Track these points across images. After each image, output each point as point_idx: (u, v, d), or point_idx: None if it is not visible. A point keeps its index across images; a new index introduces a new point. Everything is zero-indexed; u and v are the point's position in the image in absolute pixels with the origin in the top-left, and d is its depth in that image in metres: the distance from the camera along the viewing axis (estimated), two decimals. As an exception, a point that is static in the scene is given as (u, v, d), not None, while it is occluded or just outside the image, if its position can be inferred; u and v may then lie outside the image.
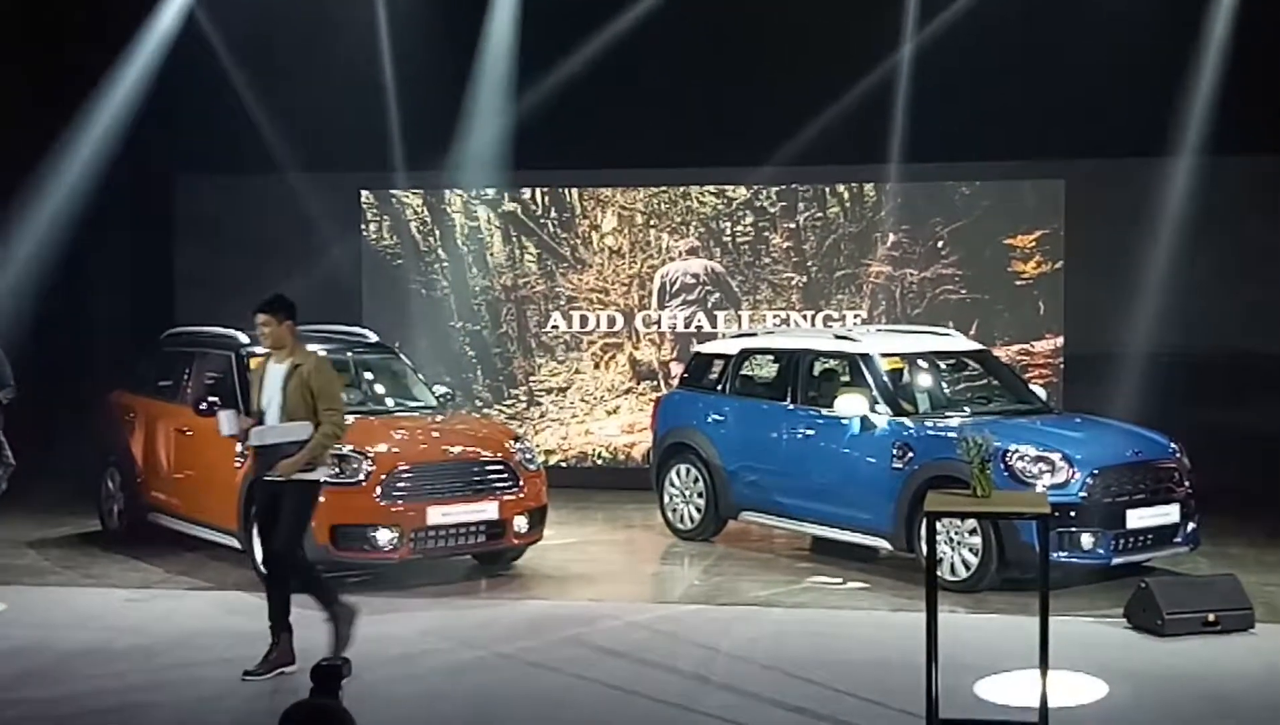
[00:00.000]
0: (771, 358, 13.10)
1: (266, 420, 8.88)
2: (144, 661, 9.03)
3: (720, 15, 15.35)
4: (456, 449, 11.51)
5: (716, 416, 12.96)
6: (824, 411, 11.98)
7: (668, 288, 16.15)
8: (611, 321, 16.24)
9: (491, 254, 16.52)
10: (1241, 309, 15.12)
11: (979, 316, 15.39)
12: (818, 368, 12.52)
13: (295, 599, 8.93)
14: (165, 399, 12.61)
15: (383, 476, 10.95)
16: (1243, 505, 13.48)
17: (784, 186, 15.96)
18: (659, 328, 16.15)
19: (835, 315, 15.73)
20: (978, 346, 13.09)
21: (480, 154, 15.98)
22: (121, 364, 14.11)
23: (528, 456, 11.78)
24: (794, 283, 15.95)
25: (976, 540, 10.75)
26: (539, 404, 16.38)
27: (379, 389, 12.61)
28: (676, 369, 15.33)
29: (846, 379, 12.15)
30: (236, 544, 11.28)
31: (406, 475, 11.05)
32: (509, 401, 16.41)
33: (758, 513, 12.64)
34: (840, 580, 11.50)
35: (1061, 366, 15.30)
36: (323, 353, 12.29)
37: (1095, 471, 10.77)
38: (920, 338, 12.83)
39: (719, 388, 13.13)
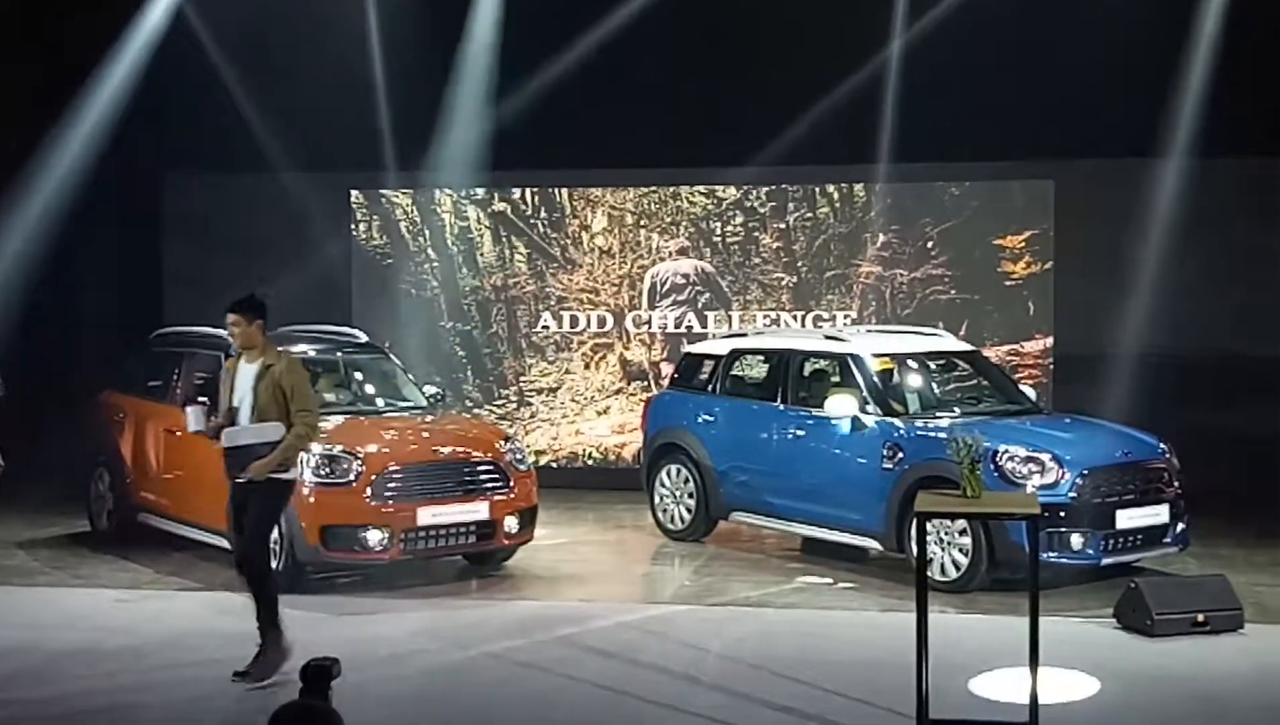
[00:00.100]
0: (762, 358, 13.12)
1: (239, 420, 8.82)
2: (134, 662, 9.01)
3: (711, 14, 15.34)
4: (447, 449, 11.51)
5: (707, 417, 12.96)
6: (814, 412, 11.99)
7: (658, 288, 16.15)
8: (602, 322, 16.24)
9: (481, 254, 16.51)
10: (1231, 310, 15.15)
11: (969, 317, 15.40)
12: (808, 368, 12.53)
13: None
14: (154, 399, 12.59)
15: (373, 477, 10.94)
16: (1232, 506, 13.49)
17: (774, 187, 15.97)
18: (649, 328, 16.15)
19: (825, 316, 15.74)
20: (968, 347, 13.11)
21: (470, 154, 15.96)
22: (110, 363, 14.08)
23: (518, 457, 11.77)
24: (784, 283, 15.95)
25: (966, 540, 10.76)
26: (529, 404, 16.37)
27: (369, 389, 12.60)
28: (667, 369, 15.33)
29: (837, 379, 12.16)
30: (226, 544, 11.24)
31: (397, 476, 11.04)
32: (499, 402, 16.40)
33: (748, 513, 12.64)
34: (830, 580, 11.50)
35: (1051, 367, 15.32)
36: (311, 353, 12.46)
37: (1085, 472, 10.79)
38: (910, 338, 12.85)
39: (709, 388, 13.13)
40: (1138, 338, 14.88)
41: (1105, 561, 10.84)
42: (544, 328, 16.35)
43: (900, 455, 11.23)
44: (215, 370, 11.73)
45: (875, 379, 11.87)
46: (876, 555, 11.84)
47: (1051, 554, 10.50)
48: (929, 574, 8.86)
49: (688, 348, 14.35)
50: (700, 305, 16.05)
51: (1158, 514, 11.07)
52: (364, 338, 13.05)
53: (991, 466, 10.48)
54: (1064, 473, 10.74)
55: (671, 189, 16.18)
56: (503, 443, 11.80)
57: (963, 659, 8.88)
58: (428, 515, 11.02)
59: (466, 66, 15.84)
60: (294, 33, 15.09)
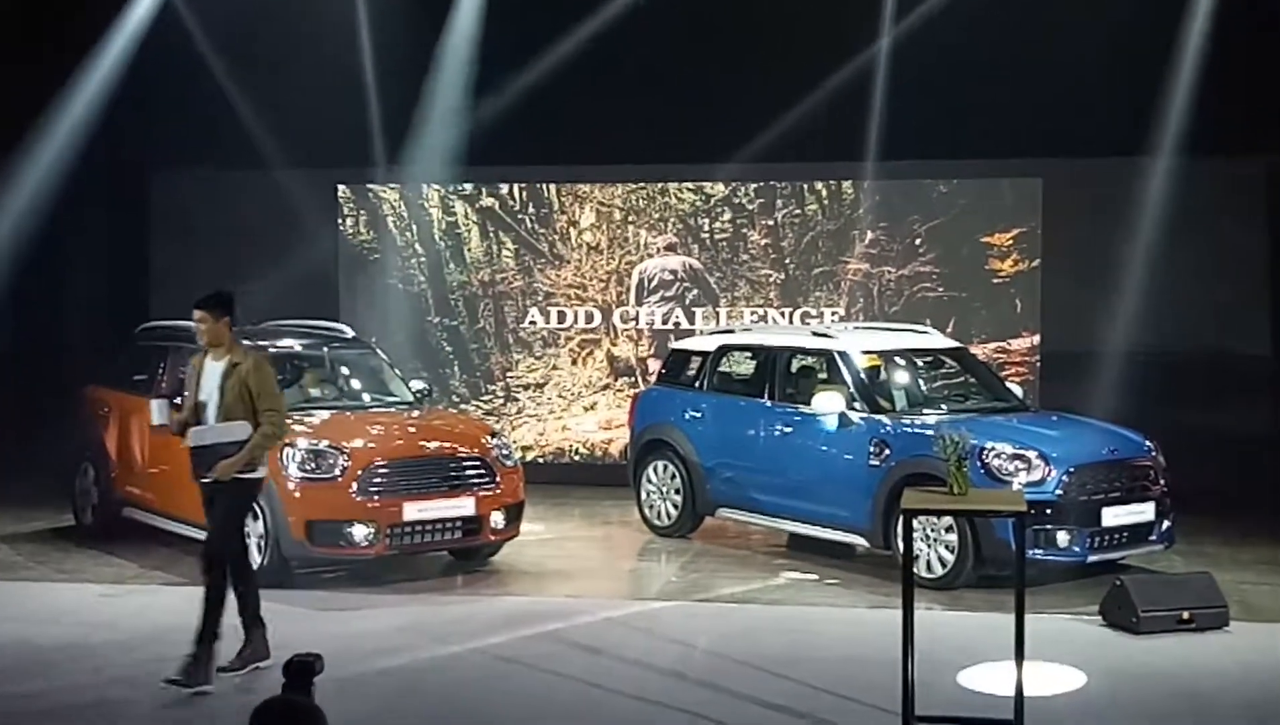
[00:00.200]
0: (749, 355, 13.11)
1: (205, 418, 8.71)
2: (119, 657, 8.98)
3: (700, 10, 15.34)
4: (433, 445, 11.49)
5: (694, 413, 12.96)
6: (801, 408, 12.00)
7: (646, 284, 16.14)
8: (589, 317, 16.23)
9: (469, 249, 16.49)
10: (1217, 309, 15.20)
11: (956, 314, 15.42)
12: (795, 365, 12.53)
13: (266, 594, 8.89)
14: (140, 394, 12.53)
15: (359, 472, 10.92)
16: (1217, 504, 13.52)
17: (762, 183, 15.97)
18: (637, 324, 16.14)
19: (813, 312, 15.74)
20: (955, 344, 13.13)
21: (458, 149, 15.93)
22: (96, 358, 14.04)
23: (505, 452, 11.77)
24: (772, 280, 15.95)
25: (953, 537, 10.77)
26: (516, 400, 16.36)
27: (355, 384, 12.59)
28: (654, 365, 15.31)
29: (824, 376, 12.16)
30: (212, 539, 11.23)
31: (383, 471, 11.02)
32: (486, 397, 16.39)
33: (735, 509, 12.64)
34: (817, 577, 11.50)
35: (1038, 364, 15.33)
36: (298, 347, 12.44)
37: (1071, 469, 10.80)
38: (898, 335, 12.86)
39: (697, 384, 13.13)
40: (1124, 336, 14.91)
41: (1091, 559, 10.86)
42: (531, 323, 16.33)
43: (887, 452, 11.24)
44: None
45: (862, 376, 11.88)
46: (863, 552, 11.85)
47: (1038, 551, 10.52)
48: (915, 571, 8.86)
49: (675, 344, 14.35)
50: (688, 301, 16.05)
51: (1143, 511, 11.10)
52: (350, 333, 13.04)
53: (978, 463, 10.50)
54: (1050, 470, 10.75)
55: (660, 185, 16.18)
56: (489, 438, 11.79)
57: (949, 655, 8.88)
58: (414, 510, 11.01)
59: (454, 61, 15.80)
60: (282, 27, 15.06)
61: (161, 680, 8.27)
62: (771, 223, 15.98)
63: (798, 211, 15.96)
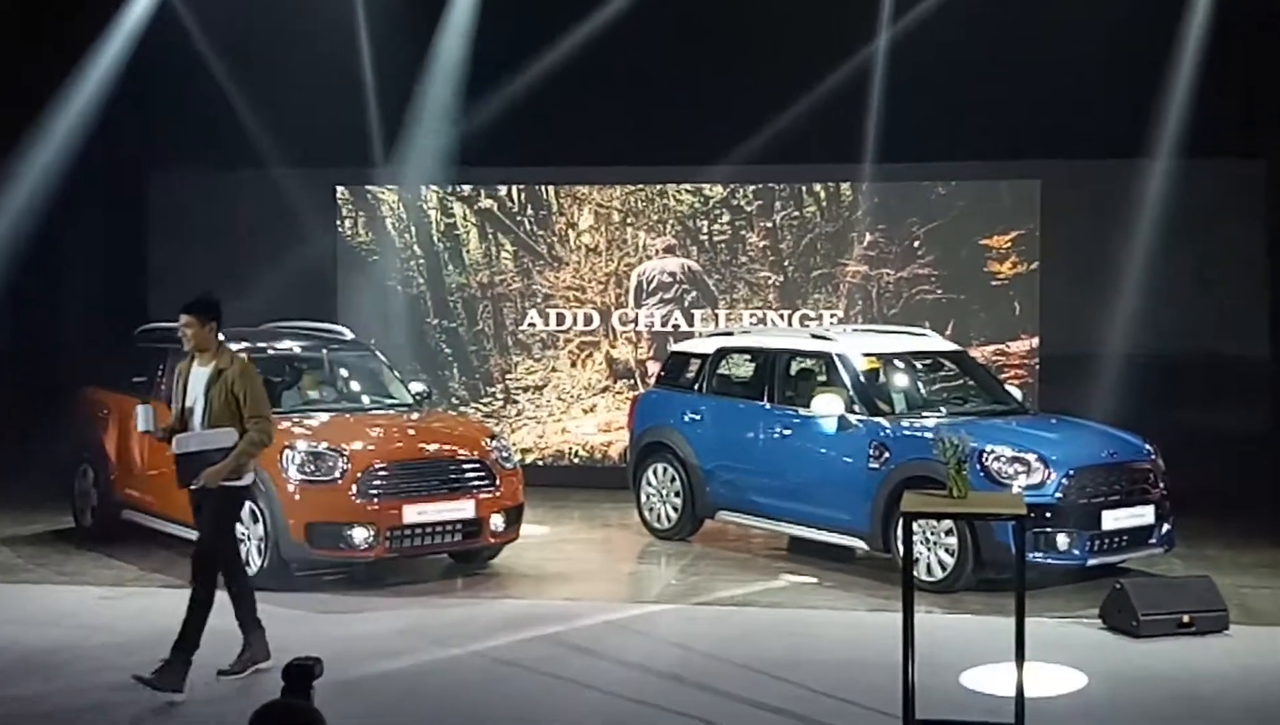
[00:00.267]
0: (748, 357, 13.11)
1: (191, 424, 8.63)
2: (118, 659, 8.96)
3: (698, 12, 15.34)
4: (433, 447, 11.49)
5: (693, 416, 12.95)
6: (800, 411, 11.99)
7: (645, 286, 16.14)
8: (588, 320, 16.22)
9: (468, 251, 16.49)
10: (1216, 311, 15.19)
11: (955, 316, 15.42)
12: (794, 367, 12.53)
13: (276, 595, 8.88)
14: (139, 395, 12.49)
15: (358, 474, 10.91)
16: (1217, 507, 13.52)
17: (761, 185, 15.97)
18: (636, 326, 16.14)
19: (812, 315, 15.74)
20: (954, 347, 13.13)
21: (457, 150, 15.92)
22: (95, 359, 14.03)
23: (504, 455, 11.76)
24: (771, 282, 15.95)
25: (953, 540, 10.77)
26: (516, 402, 16.35)
27: (354, 386, 12.59)
28: (653, 368, 15.30)
29: (823, 379, 12.16)
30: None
31: (382, 473, 11.01)
32: (485, 399, 16.38)
33: (734, 512, 12.63)
34: (816, 580, 11.49)
35: (1037, 367, 15.33)
36: (296, 349, 12.43)
37: (1071, 472, 10.80)
38: (897, 338, 12.85)
39: (696, 387, 13.12)
40: (1123, 338, 14.90)
41: (1091, 562, 10.85)
42: (530, 325, 16.33)
43: (886, 455, 11.23)
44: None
45: (861, 378, 11.87)
46: (862, 555, 11.85)
47: (1037, 554, 10.51)
48: (915, 574, 8.85)
49: (674, 346, 14.35)
50: (687, 304, 16.04)
51: (1143, 515, 11.09)
52: (349, 335, 13.04)
53: (977, 466, 10.49)
54: (1050, 473, 10.75)
55: (658, 187, 16.18)
56: (489, 441, 11.79)
57: (949, 659, 8.88)
58: (413, 513, 11.00)
59: (452, 62, 15.79)
60: (280, 26, 15.02)
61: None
62: (770, 225, 15.97)
63: (796, 213, 15.96)
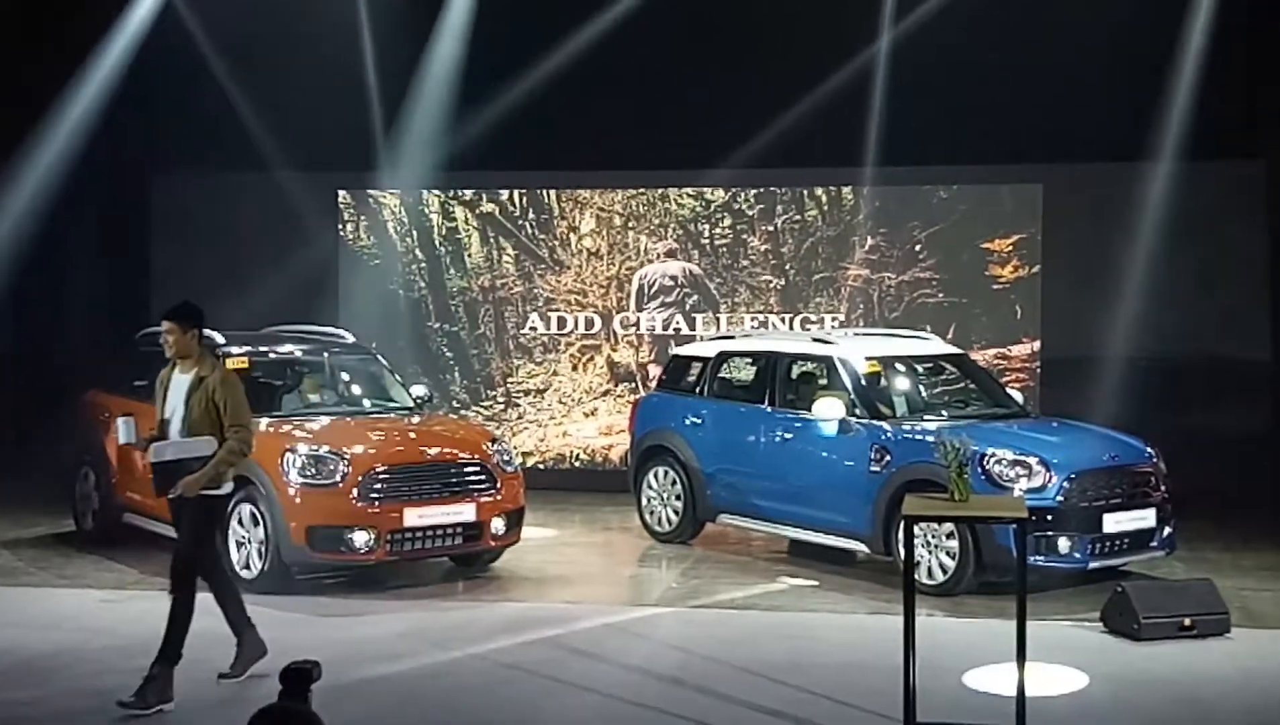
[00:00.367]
0: (749, 360, 13.11)
1: (170, 433, 8.51)
2: (120, 663, 8.95)
3: (700, 16, 15.35)
4: (434, 450, 11.49)
5: (694, 419, 12.95)
6: (802, 414, 11.98)
7: (646, 290, 16.14)
8: (589, 323, 16.23)
9: (469, 255, 16.49)
10: (1218, 314, 15.18)
11: (956, 320, 15.41)
12: (795, 371, 12.52)
13: (272, 599, 8.86)
14: (140, 399, 12.50)
15: (359, 478, 10.91)
16: (1219, 510, 13.52)
17: (762, 189, 15.97)
18: (637, 330, 16.14)
19: (813, 318, 15.74)
20: (955, 350, 13.12)
21: (458, 154, 15.91)
22: (97, 361, 14.03)
23: (505, 458, 11.76)
24: (772, 285, 15.95)
25: (954, 544, 10.76)
26: (517, 406, 16.35)
27: (355, 390, 12.59)
28: (654, 371, 15.31)
29: (824, 382, 12.14)
30: (212, 545, 11.22)
31: (383, 477, 11.01)
32: (486, 403, 16.38)
33: (735, 515, 12.63)
34: (817, 583, 11.49)
35: (1038, 370, 15.33)
36: (298, 353, 12.43)
37: (1072, 475, 10.79)
38: (898, 341, 12.86)
39: (697, 390, 13.12)
40: (1125, 341, 14.90)
41: (1092, 565, 10.84)
42: (532, 329, 16.33)
43: (887, 458, 11.23)
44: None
45: (863, 382, 11.87)
46: (863, 558, 11.83)
47: (1038, 557, 10.50)
48: (916, 577, 8.85)
49: (675, 350, 14.35)
50: (688, 307, 16.05)
51: (1145, 518, 11.07)
52: (351, 338, 13.03)
53: (979, 470, 10.49)
54: (1051, 476, 10.74)
55: (660, 191, 16.18)
56: (490, 444, 11.79)
57: (950, 662, 8.88)
58: (414, 516, 11.00)
59: (454, 66, 15.79)
60: (283, 29, 15.04)
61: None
62: (771, 228, 15.98)
63: (798, 217, 15.96)
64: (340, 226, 16.64)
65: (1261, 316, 15.14)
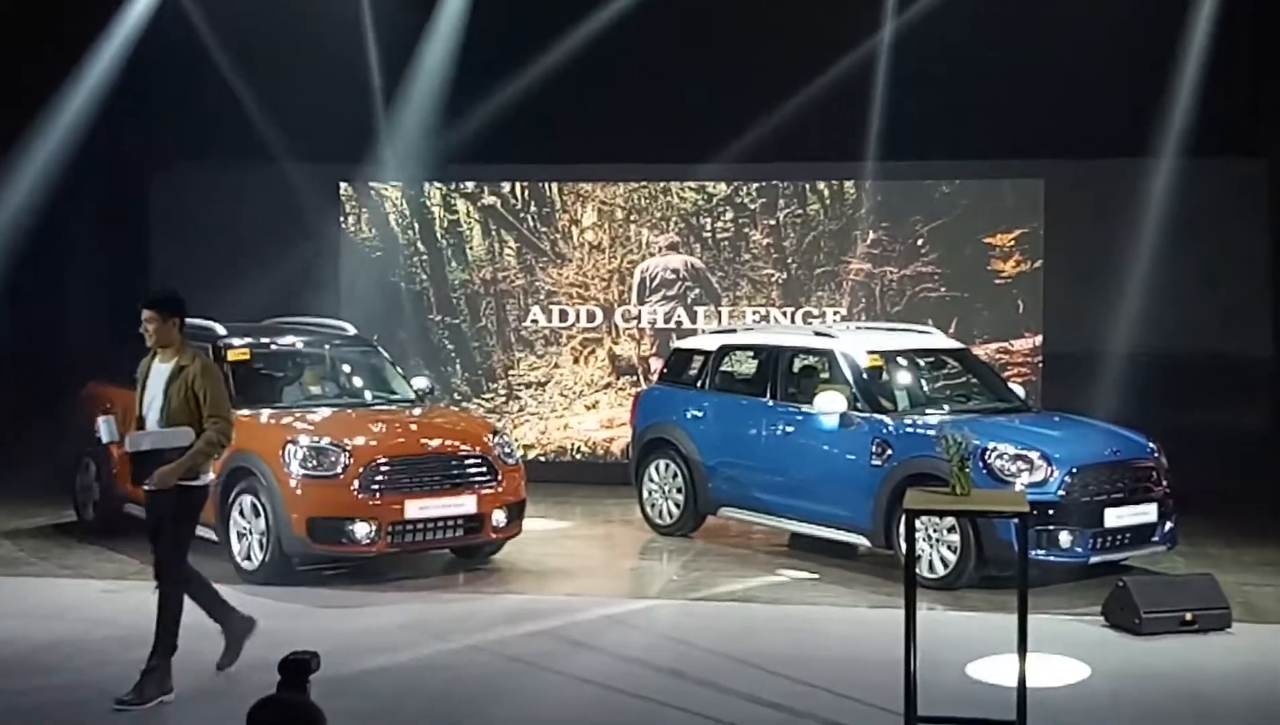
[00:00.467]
0: (751, 354, 13.10)
1: (147, 424, 8.37)
2: (121, 653, 8.95)
3: (703, 9, 15.34)
4: (435, 443, 11.48)
5: (696, 412, 12.95)
6: (803, 408, 11.98)
7: (648, 283, 16.14)
8: (591, 316, 16.22)
9: (471, 248, 16.49)
10: (1219, 310, 15.16)
11: (958, 314, 15.41)
12: (797, 364, 12.52)
13: (278, 591, 8.84)
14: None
15: (360, 469, 10.90)
16: (1220, 505, 13.51)
17: (764, 183, 15.96)
18: (639, 323, 16.14)
19: (815, 312, 15.73)
20: (957, 344, 13.14)
21: (460, 147, 15.90)
22: (97, 353, 14.02)
23: (506, 451, 11.76)
24: (774, 279, 15.94)
25: (955, 538, 10.76)
26: (518, 398, 16.35)
27: (357, 382, 12.59)
28: (656, 364, 15.31)
29: (826, 376, 12.15)
30: (212, 536, 11.22)
31: (384, 468, 11.01)
32: (488, 395, 16.38)
33: (737, 508, 12.63)
34: (818, 576, 11.48)
35: (1040, 365, 15.33)
36: (299, 345, 12.43)
37: (1074, 470, 10.79)
38: (900, 335, 12.86)
39: (698, 384, 13.12)
40: (1126, 337, 14.88)
41: (1094, 560, 10.85)
42: (533, 322, 16.33)
43: (889, 452, 11.23)
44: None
45: (864, 376, 11.87)
46: (864, 551, 11.84)
47: (1040, 552, 10.51)
48: (917, 571, 8.85)
49: (677, 343, 14.35)
50: (690, 301, 16.04)
51: (1146, 513, 11.08)
52: (352, 331, 13.02)
53: (980, 464, 10.49)
54: (1053, 471, 10.74)
55: (662, 184, 16.17)
56: (491, 436, 11.78)
57: (951, 655, 8.88)
58: (415, 508, 11.00)
59: (456, 59, 15.77)
60: (284, 21, 15.00)
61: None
62: (773, 222, 15.97)
63: (800, 211, 15.95)
64: (342, 219, 16.63)
65: (1263, 313, 15.13)
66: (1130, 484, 11.08)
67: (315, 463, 10.89)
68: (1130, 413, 13.07)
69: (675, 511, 13.05)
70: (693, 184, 16.14)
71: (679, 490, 12.99)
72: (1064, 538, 10.66)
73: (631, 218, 16.26)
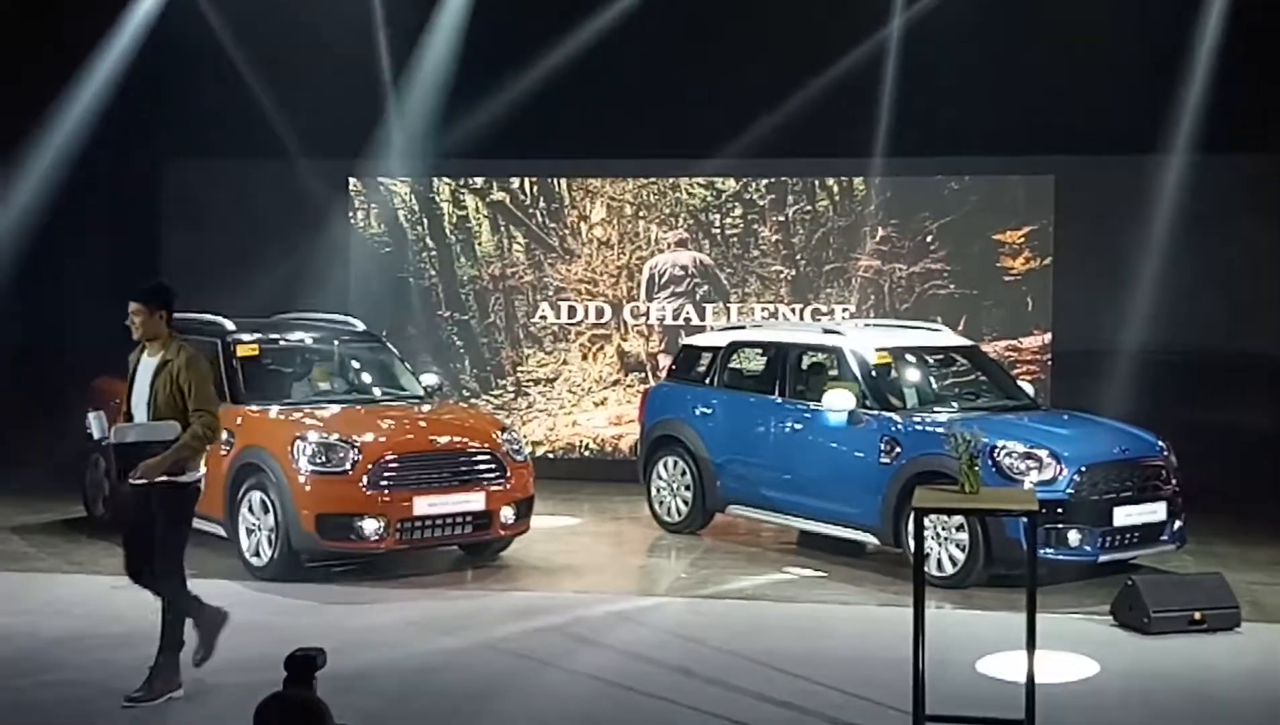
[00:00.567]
0: (759, 351, 13.09)
1: (135, 417, 8.28)
2: (129, 649, 8.94)
3: (713, 5, 15.34)
4: (443, 439, 11.48)
5: (704, 409, 12.94)
6: (812, 405, 11.97)
7: (656, 279, 16.13)
8: (600, 313, 16.22)
9: (480, 243, 16.49)
10: (1230, 308, 15.13)
11: (967, 312, 15.39)
12: (806, 362, 12.50)
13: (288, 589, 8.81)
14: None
15: (369, 466, 10.90)
16: (1229, 504, 13.48)
17: (773, 179, 15.95)
18: (647, 319, 16.13)
19: (824, 309, 15.72)
20: (966, 342, 13.11)
21: (469, 142, 15.89)
22: (106, 349, 14.02)
23: (515, 447, 11.75)
24: (782, 276, 15.93)
25: (964, 536, 10.75)
26: (526, 395, 16.35)
27: (365, 378, 12.59)
28: (664, 361, 15.31)
29: (834, 373, 12.14)
30: (221, 532, 11.24)
31: (393, 465, 11.00)
32: (496, 392, 16.38)
33: (745, 506, 12.61)
34: (826, 574, 11.47)
35: (1049, 363, 15.31)
36: (308, 341, 12.44)
37: (1083, 468, 10.77)
38: (909, 332, 12.85)
39: (707, 380, 13.11)
40: (1137, 334, 14.86)
41: (1102, 558, 10.83)
42: (542, 318, 16.33)
43: (898, 450, 11.21)
44: (212, 358, 11.70)
45: (873, 373, 11.85)
46: (873, 549, 11.83)
47: (1049, 550, 10.48)
48: (926, 569, 8.84)
49: (685, 340, 14.34)
50: (698, 297, 16.03)
51: (1155, 511, 11.06)
52: (361, 326, 13.03)
53: (989, 462, 10.46)
54: (1062, 469, 10.72)
55: (671, 181, 16.16)
56: (500, 433, 11.78)
57: (960, 654, 8.87)
58: (424, 505, 11.00)
59: (465, 53, 15.76)
60: (295, 16, 15.00)
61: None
62: (782, 219, 15.96)
63: (809, 208, 15.93)
64: (350, 214, 16.64)
65: (1274, 311, 15.08)
66: (1139, 482, 11.06)
67: (324, 459, 10.90)
68: (1140, 411, 13.04)
69: (683, 509, 13.04)
70: (702, 180, 16.13)
71: (687, 487, 12.98)
72: (1073, 536, 10.64)
73: (640, 214, 16.26)
